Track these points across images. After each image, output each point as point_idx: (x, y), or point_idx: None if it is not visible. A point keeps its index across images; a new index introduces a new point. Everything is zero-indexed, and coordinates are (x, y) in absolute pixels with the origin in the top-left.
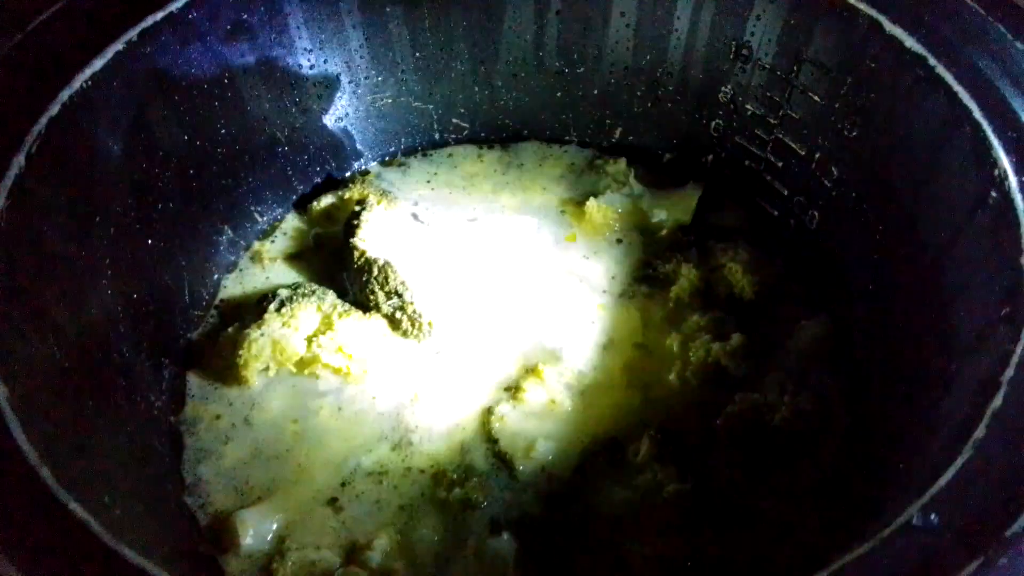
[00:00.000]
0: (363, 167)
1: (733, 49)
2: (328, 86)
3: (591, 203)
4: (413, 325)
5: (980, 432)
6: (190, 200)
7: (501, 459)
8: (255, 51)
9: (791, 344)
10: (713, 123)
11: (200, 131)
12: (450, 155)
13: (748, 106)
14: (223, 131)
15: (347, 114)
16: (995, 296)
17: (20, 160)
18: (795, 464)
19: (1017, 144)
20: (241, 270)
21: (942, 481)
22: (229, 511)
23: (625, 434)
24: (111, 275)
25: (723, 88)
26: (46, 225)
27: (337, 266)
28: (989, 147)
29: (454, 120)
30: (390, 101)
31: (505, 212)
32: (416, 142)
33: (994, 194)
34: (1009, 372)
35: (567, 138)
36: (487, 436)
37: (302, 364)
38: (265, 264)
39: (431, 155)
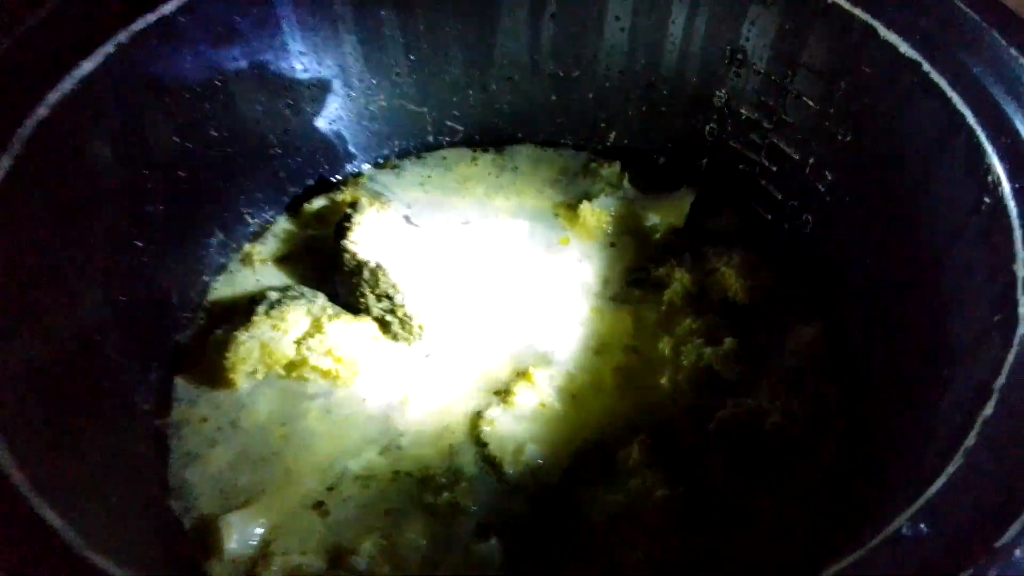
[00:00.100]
0: (356, 169)
1: (728, 54)
2: (321, 89)
3: (585, 206)
4: (403, 328)
5: (971, 440)
6: (180, 203)
7: (490, 463)
8: (248, 55)
9: (784, 349)
10: (707, 127)
11: (191, 134)
12: (444, 158)
13: (742, 110)
14: (215, 134)
15: (340, 117)
16: (989, 302)
17: (6, 163)
18: (788, 469)
19: (1011, 150)
20: (231, 272)
21: (931, 490)
22: (214, 515)
23: (616, 438)
24: (99, 278)
25: (717, 92)
26: (33, 228)
27: (328, 269)
28: (983, 153)
29: (448, 123)
30: (384, 104)
31: (498, 215)
32: (409, 145)
33: (988, 200)
34: (1001, 379)
35: (561, 141)
36: (476, 440)
37: (291, 367)
38: (255, 266)
39: (425, 158)
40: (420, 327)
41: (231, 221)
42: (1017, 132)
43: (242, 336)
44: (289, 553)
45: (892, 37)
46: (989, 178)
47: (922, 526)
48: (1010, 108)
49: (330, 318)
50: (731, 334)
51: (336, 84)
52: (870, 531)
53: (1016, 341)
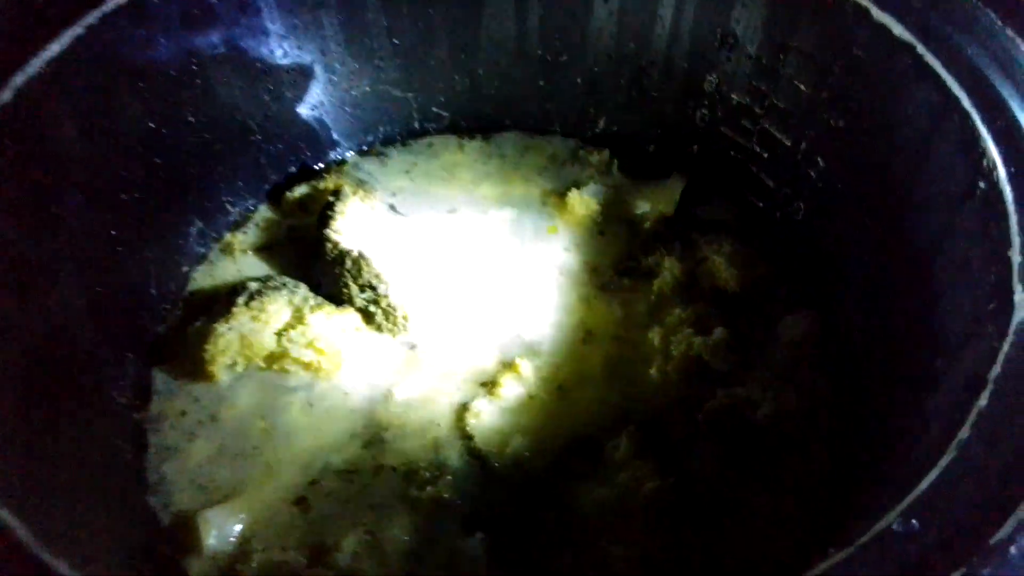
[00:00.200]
0: (339, 157)
1: (718, 37)
2: (302, 74)
3: (573, 194)
4: (387, 319)
5: (965, 432)
6: (157, 190)
7: (476, 456)
8: (225, 38)
9: (776, 339)
10: (698, 113)
11: (167, 120)
12: (430, 145)
13: (733, 96)
14: (192, 120)
15: (322, 103)
16: (983, 290)
17: None
18: (779, 461)
19: (1006, 134)
20: (211, 262)
21: (923, 484)
22: (193, 511)
23: (605, 430)
24: (72, 267)
25: (708, 77)
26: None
27: (310, 258)
28: (978, 137)
29: (434, 109)
30: (367, 89)
31: (485, 203)
32: (395, 132)
33: (982, 185)
34: (996, 369)
35: (550, 128)
36: (462, 433)
37: (271, 359)
38: (236, 256)
39: (410, 145)
40: (404, 318)
41: (211, 209)
42: (1013, 115)
43: (222, 328)
44: (270, 549)
45: (885, 19)
46: (984, 162)
47: (914, 522)
48: (1006, 91)
49: (312, 309)
50: (722, 324)
51: (317, 69)
52: (861, 527)
53: (1012, 330)
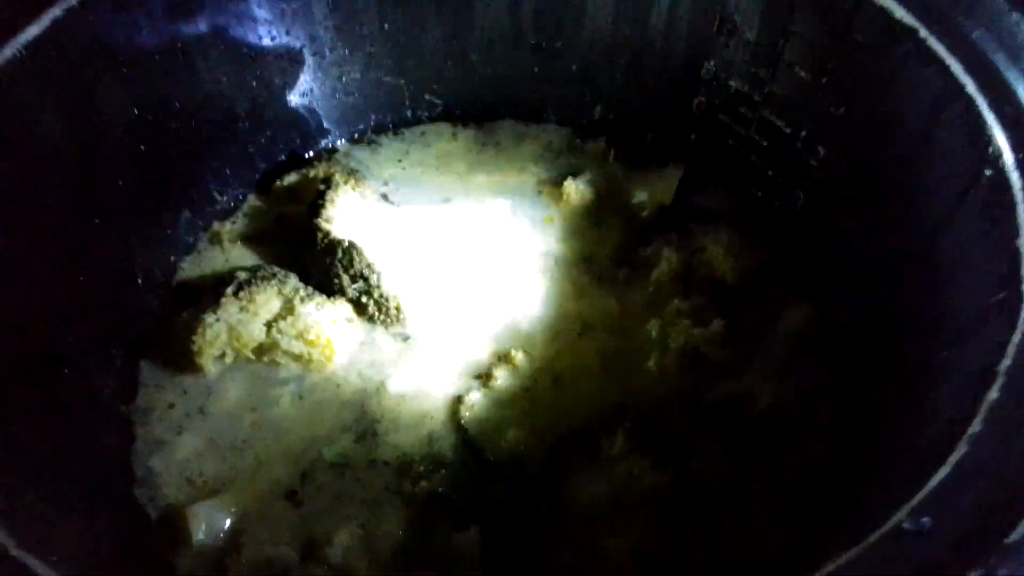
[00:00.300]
0: (330, 145)
1: (716, 22)
2: (291, 59)
3: (569, 184)
4: (380, 310)
5: (976, 426)
6: (142, 179)
7: (471, 450)
8: (210, 22)
9: (774, 331)
10: (696, 100)
11: (151, 105)
12: (423, 133)
13: (732, 83)
14: (177, 105)
15: (312, 89)
16: (990, 281)
17: None
18: (778, 455)
19: (1013, 120)
20: (199, 252)
21: (934, 480)
22: (181, 505)
23: (601, 423)
24: (53, 258)
25: (706, 64)
26: None
27: (301, 248)
28: (984, 124)
29: (427, 97)
30: (358, 76)
31: (480, 193)
32: (386, 119)
33: (989, 173)
34: (1006, 362)
35: (545, 116)
36: (456, 426)
37: (261, 351)
38: (225, 246)
39: (403, 133)
40: (397, 309)
41: (198, 198)
42: (1020, 101)
43: (210, 319)
44: (260, 545)
45: (887, 2)
46: (990, 149)
47: (924, 520)
48: (1012, 76)
49: (302, 300)
50: (720, 315)
51: (307, 55)
52: (868, 525)
53: (1022, 320)
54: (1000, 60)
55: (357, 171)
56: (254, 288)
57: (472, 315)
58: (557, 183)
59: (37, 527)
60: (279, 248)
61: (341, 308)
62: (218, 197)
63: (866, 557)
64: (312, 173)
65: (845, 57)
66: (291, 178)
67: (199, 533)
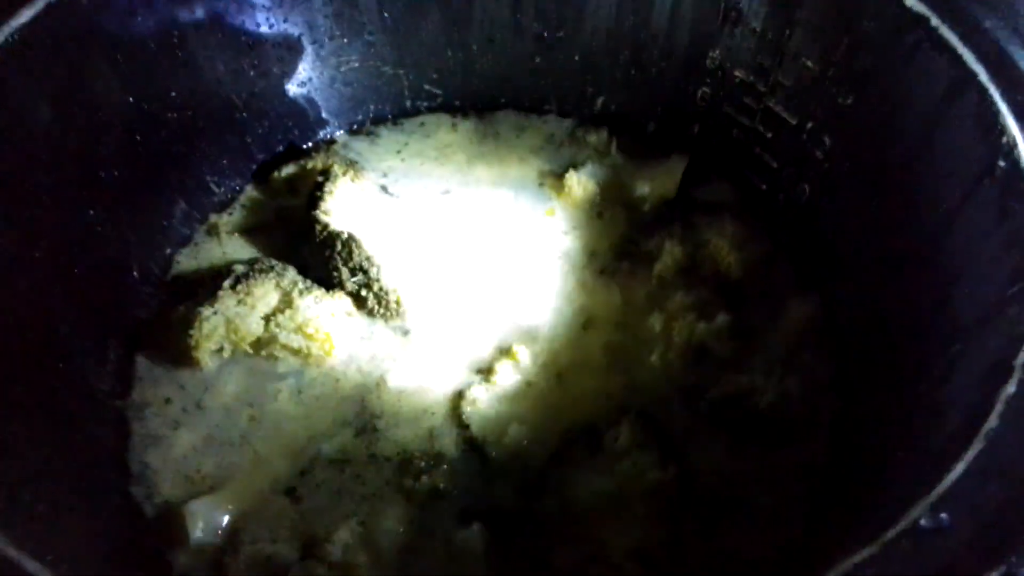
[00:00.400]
0: (329, 136)
1: (721, 11)
2: (289, 48)
3: (571, 176)
4: (379, 303)
5: (993, 422)
6: (137, 169)
7: (472, 445)
8: (207, 8)
9: (779, 324)
10: (699, 91)
11: (146, 94)
12: (422, 124)
13: (737, 73)
14: (173, 94)
15: (310, 79)
16: (1003, 273)
17: None
18: (783, 451)
19: None
20: (196, 244)
21: (952, 476)
22: (178, 502)
23: (604, 418)
24: (47, 250)
25: (710, 54)
26: None
27: (299, 241)
28: (997, 113)
29: (426, 87)
30: (357, 65)
31: (480, 185)
32: (386, 110)
33: (1002, 163)
34: (1022, 356)
35: (546, 107)
36: (458, 421)
37: (259, 345)
38: (222, 238)
39: (402, 124)
40: (397, 302)
41: (195, 189)
42: None
43: (207, 312)
44: (259, 542)
45: None
46: (1004, 140)
47: (943, 516)
48: None
49: (301, 293)
50: (724, 309)
51: (305, 43)
52: (879, 522)
53: None
54: (1014, 48)
55: (356, 162)
56: (252, 281)
57: (473, 309)
58: (559, 175)
59: (31, 526)
60: (277, 240)
61: (340, 301)
62: (215, 188)
63: (883, 555)
64: (310, 164)
65: (853, 46)
66: (289, 169)
67: (197, 531)
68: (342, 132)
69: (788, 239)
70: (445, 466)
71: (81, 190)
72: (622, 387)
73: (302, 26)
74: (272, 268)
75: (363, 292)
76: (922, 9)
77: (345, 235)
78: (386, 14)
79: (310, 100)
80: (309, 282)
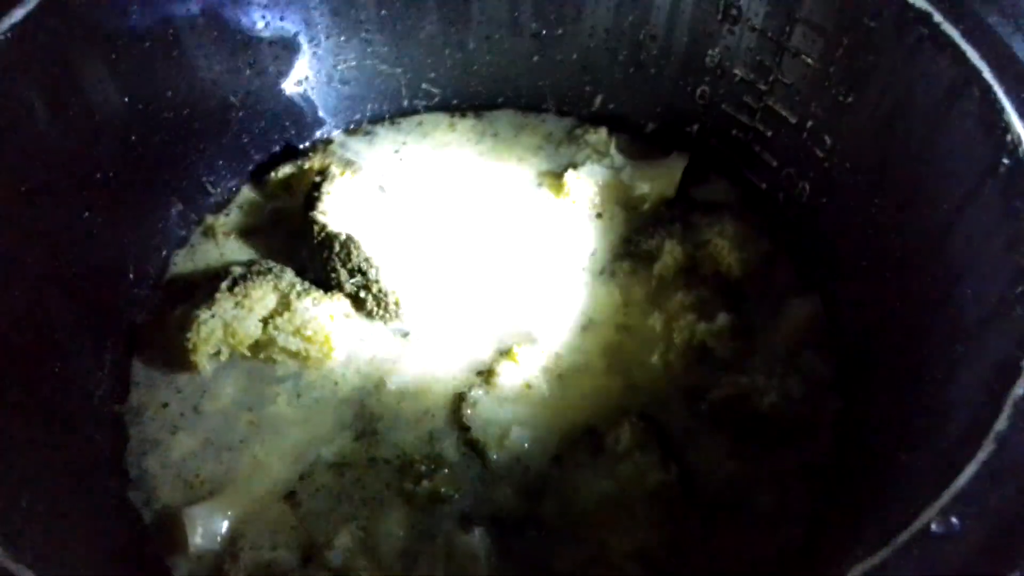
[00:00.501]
0: (326, 135)
1: (721, 9)
2: (285, 47)
3: (570, 175)
4: (378, 305)
5: (1002, 424)
6: (133, 169)
7: (473, 448)
8: (202, 6)
9: (780, 324)
10: (699, 90)
11: (142, 93)
12: (420, 123)
13: (736, 71)
14: (168, 94)
15: (307, 78)
16: (1008, 273)
17: None
18: (784, 451)
19: None
20: (192, 246)
21: (961, 479)
22: (177, 507)
23: (605, 420)
24: (41, 252)
25: (710, 52)
26: None
27: (296, 242)
28: (1000, 111)
29: (424, 86)
30: (354, 64)
31: (479, 185)
32: (383, 109)
33: (1006, 161)
34: None
35: (544, 106)
36: (458, 424)
37: (257, 348)
38: (219, 239)
39: (399, 123)
40: (396, 304)
41: (191, 190)
42: None
43: (204, 314)
44: (259, 548)
45: None
46: (1008, 137)
47: (953, 520)
48: None
49: (299, 295)
50: (724, 309)
51: (302, 41)
52: (886, 525)
53: None
54: (1017, 45)
55: (353, 162)
56: (249, 283)
57: (473, 310)
58: (558, 174)
59: (27, 532)
60: (274, 241)
61: (339, 303)
62: (211, 189)
63: (895, 560)
64: (307, 164)
65: (855, 44)
66: (286, 169)
67: (196, 537)
68: (339, 131)
69: (788, 238)
70: (446, 469)
71: (76, 191)
72: (623, 388)
73: (299, 24)
74: (270, 270)
75: (362, 293)
76: (924, 5)
77: (343, 236)
78: (384, 11)
79: (307, 99)
80: (307, 284)
